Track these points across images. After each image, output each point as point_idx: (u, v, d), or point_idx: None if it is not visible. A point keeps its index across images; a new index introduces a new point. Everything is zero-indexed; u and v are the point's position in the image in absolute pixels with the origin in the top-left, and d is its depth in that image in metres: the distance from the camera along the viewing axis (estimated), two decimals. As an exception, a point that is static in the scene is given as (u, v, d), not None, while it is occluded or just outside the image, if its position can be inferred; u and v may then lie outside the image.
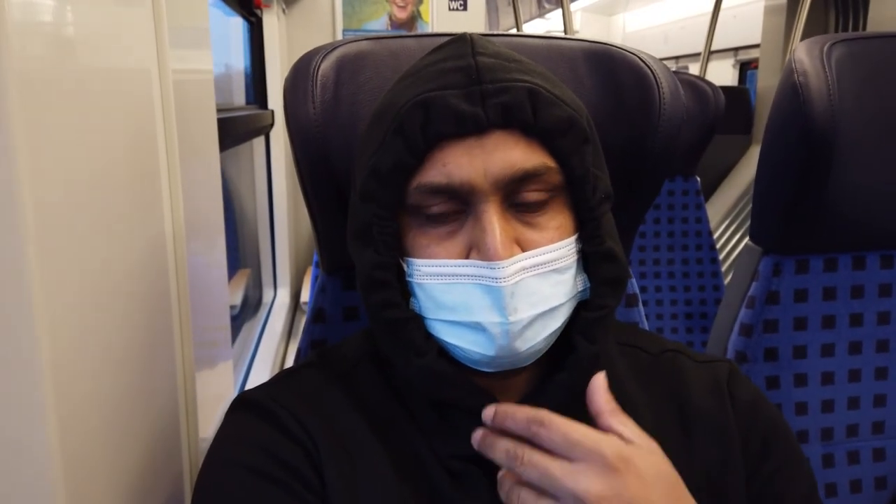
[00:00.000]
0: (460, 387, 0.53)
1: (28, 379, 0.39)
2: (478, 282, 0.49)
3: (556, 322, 0.52)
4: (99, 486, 0.48)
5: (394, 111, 0.51)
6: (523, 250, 0.50)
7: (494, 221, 0.49)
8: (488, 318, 0.49)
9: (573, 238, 0.52)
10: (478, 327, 0.50)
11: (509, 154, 0.49)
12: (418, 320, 0.52)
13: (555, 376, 0.54)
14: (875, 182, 0.87)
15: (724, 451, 0.57)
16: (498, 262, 0.48)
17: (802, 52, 0.84)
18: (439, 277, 0.51)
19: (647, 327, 0.76)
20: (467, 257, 0.50)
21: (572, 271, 0.52)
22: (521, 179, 0.49)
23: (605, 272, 0.53)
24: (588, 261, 0.53)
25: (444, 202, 0.50)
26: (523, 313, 0.49)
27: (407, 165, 0.50)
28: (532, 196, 0.50)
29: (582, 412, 0.56)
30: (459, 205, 0.50)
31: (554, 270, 0.51)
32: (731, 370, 0.62)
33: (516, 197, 0.50)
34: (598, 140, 0.55)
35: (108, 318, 0.50)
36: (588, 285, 0.54)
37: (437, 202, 0.50)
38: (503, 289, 0.49)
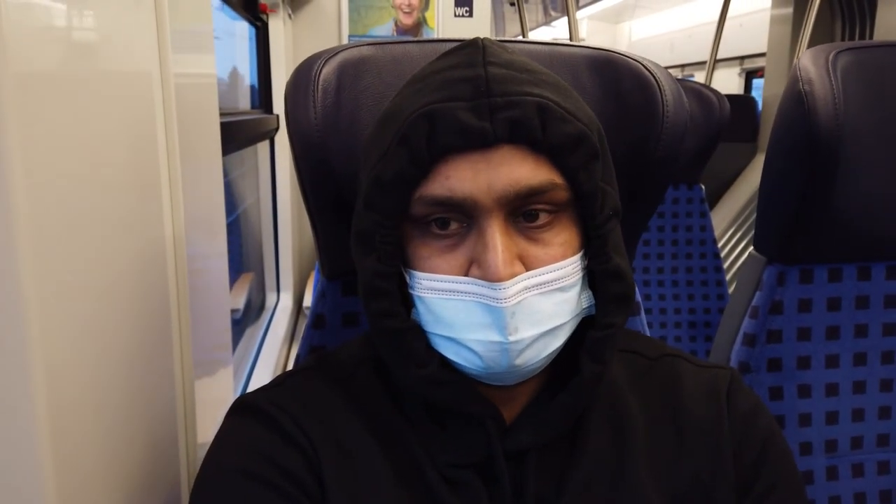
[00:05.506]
0: (463, 394, 0.52)
1: (21, 383, 0.38)
2: (478, 300, 0.49)
3: (559, 340, 0.51)
4: (93, 492, 0.47)
5: (400, 119, 0.50)
6: (527, 267, 0.49)
7: (497, 238, 0.48)
8: (488, 336, 0.49)
9: (578, 255, 0.52)
10: (477, 346, 0.49)
11: (515, 170, 0.48)
12: (418, 331, 0.52)
13: (557, 397, 0.53)
14: (881, 192, 0.87)
15: (716, 459, 0.56)
16: (499, 283, 0.47)
17: (808, 61, 0.83)
18: (440, 293, 0.50)
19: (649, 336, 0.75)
20: (468, 272, 0.49)
21: (577, 289, 0.51)
22: (527, 196, 0.48)
23: (612, 290, 0.52)
24: (594, 278, 0.52)
25: (446, 215, 0.49)
26: (524, 332, 0.49)
27: (410, 176, 0.49)
28: (537, 212, 0.50)
29: (577, 428, 0.56)
30: (462, 218, 0.50)
31: (558, 289, 0.50)
32: (732, 378, 0.60)
33: (521, 212, 0.50)
34: (609, 153, 0.54)
35: (106, 322, 0.50)
36: (592, 302, 0.53)
37: (439, 215, 0.50)
38: (504, 309, 0.48)
